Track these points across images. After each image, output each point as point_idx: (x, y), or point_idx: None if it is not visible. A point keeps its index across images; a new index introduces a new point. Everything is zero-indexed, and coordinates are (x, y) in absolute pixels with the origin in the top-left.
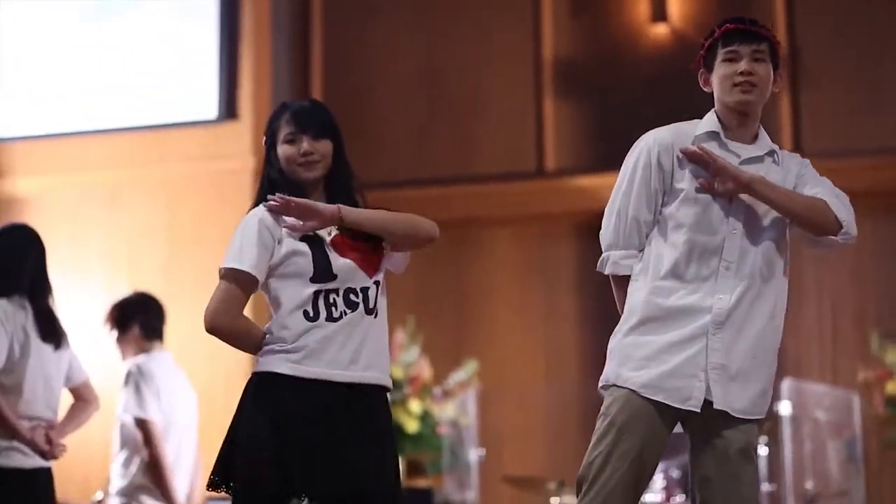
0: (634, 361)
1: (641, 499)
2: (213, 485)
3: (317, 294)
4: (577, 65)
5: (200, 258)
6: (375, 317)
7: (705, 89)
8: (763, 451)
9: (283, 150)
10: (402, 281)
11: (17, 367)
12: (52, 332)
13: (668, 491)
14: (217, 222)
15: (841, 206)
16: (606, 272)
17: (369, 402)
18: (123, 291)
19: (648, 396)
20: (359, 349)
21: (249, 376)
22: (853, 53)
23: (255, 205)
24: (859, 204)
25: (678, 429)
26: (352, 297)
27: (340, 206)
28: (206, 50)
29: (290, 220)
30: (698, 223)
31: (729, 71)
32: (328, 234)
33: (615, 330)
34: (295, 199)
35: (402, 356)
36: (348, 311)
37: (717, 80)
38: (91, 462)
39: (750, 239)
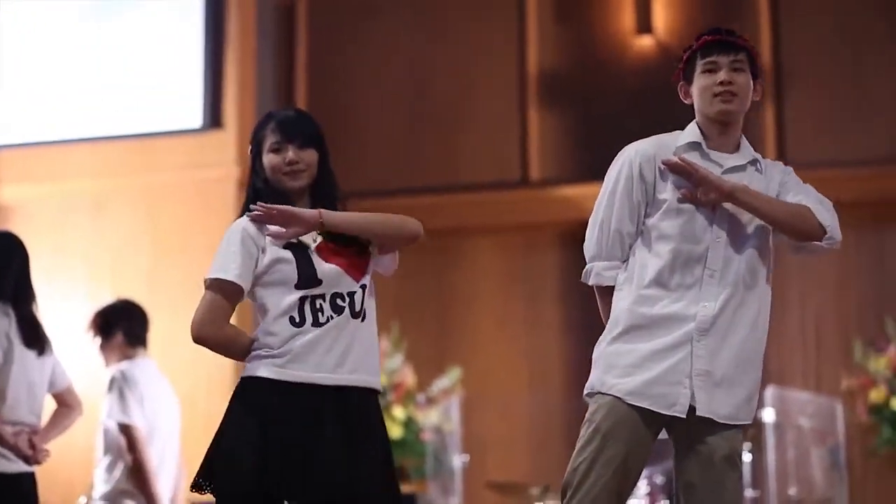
0: (619, 369)
1: None
2: (196, 486)
3: (302, 300)
4: (562, 75)
5: (184, 266)
6: (363, 320)
7: (686, 101)
8: (747, 457)
9: (268, 159)
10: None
11: (1, 372)
12: (35, 338)
13: (652, 497)
14: (201, 231)
15: (824, 212)
16: (590, 283)
17: (358, 405)
18: (107, 299)
19: (634, 403)
20: (345, 352)
21: (236, 382)
22: (837, 65)
23: (241, 214)
24: (843, 215)
25: (663, 435)
26: (338, 301)
27: (321, 210)
28: (190, 59)
29: (273, 228)
30: (682, 233)
31: (708, 82)
32: (313, 241)
33: (600, 339)
34: (276, 206)
35: (385, 363)
36: (335, 315)
37: (697, 91)
38: (74, 467)
39: (734, 247)
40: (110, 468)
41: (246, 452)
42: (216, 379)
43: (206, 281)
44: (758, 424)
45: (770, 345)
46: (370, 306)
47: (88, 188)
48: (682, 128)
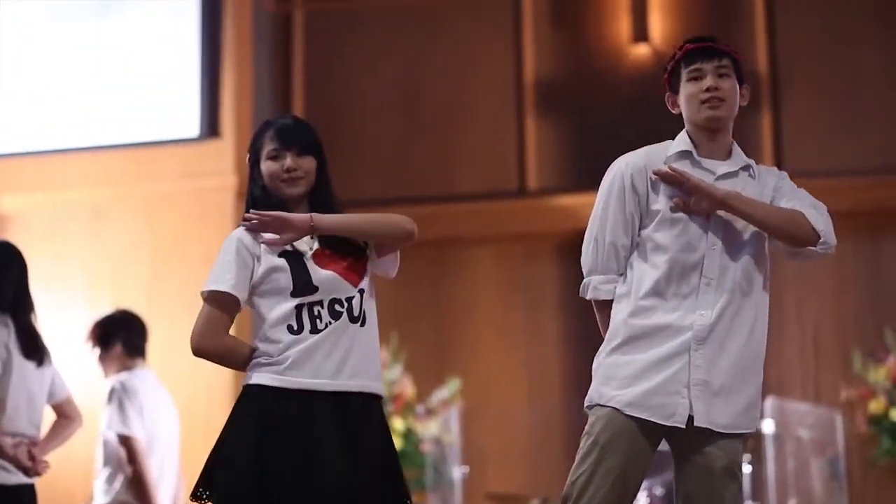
0: (618, 380)
1: None
2: (195, 496)
3: (299, 307)
4: (559, 84)
5: (183, 276)
6: (362, 325)
7: (674, 112)
8: (746, 469)
9: (266, 166)
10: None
11: (0, 383)
12: (34, 348)
13: None
14: (199, 240)
15: (818, 217)
16: (588, 297)
17: (359, 411)
18: (106, 309)
19: (632, 414)
20: (345, 358)
21: (236, 392)
22: (834, 74)
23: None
24: (840, 224)
25: (664, 446)
26: (337, 307)
27: (313, 214)
28: (187, 68)
29: (267, 235)
30: (677, 243)
31: (695, 89)
32: (310, 248)
33: (599, 351)
34: (268, 213)
35: (384, 374)
36: (333, 321)
37: (685, 100)
38: (74, 479)
39: (729, 255)
40: (110, 479)
41: (245, 459)
42: (215, 389)
43: (202, 293)
44: (757, 436)
45: (769, 355)
46: (370, 310)
47: (86, 197)
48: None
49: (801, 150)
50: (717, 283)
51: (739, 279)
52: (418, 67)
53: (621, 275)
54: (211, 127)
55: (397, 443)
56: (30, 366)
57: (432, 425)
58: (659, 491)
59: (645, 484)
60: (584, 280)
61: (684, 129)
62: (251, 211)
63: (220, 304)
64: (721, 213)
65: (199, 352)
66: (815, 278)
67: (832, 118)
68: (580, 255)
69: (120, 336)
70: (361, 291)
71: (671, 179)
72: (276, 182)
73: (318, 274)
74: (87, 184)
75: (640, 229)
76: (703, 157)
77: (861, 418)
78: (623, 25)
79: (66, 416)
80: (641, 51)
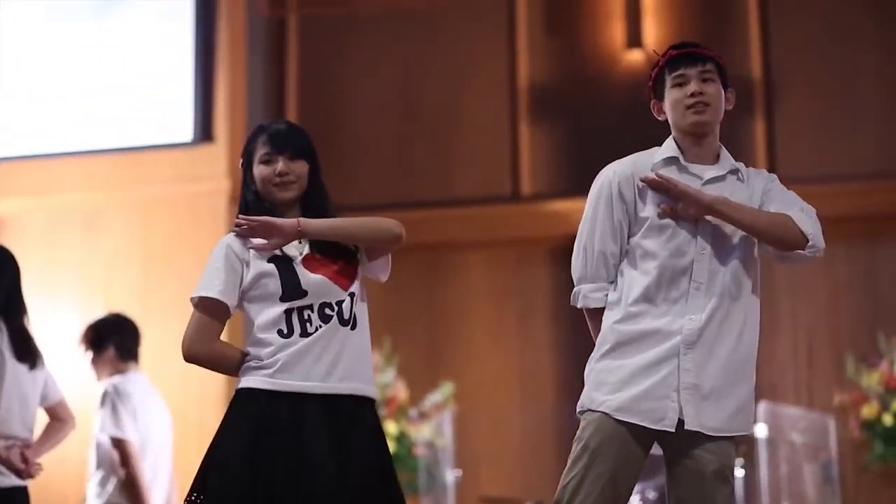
0: (608, 385)
1: None
2: (190, 501)
3: (289, 312)
4: (553, 90)
5: (176, 280)
6: (353, 328)
7: (659, 118)
8: (739, 473)
9: (259, 170)
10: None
11: None
12: (27, 351)
13: None
14: (193, 244)
15: (807, 220)
16: (579, 306)
17: (350, 414)
18: (99, 312)
19: (623, 419)
20: (335, 361)
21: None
22: (828, 79)
23: None
24: (834, 229)
25: (657, 450)
26: (327, 311)
27: (300, 219)
28: (181, 72)
29: (256, 241)
30: (666, 249)
31: (679, 95)
32: (300, 253)
33: (590, 357)
34: (256, 218)
35: (377, 378)
36: (323, 324)
37: (670, 105)
38: (67, 481)
39: (718, 259)
40: (103, 482)
41: (238, 462)
42: (208, 392)
43: (192, 299)
44: (750, 440)
45: (762, 360)
46: (361, 314)
47: (80, 202)
48: None
49: (794, 155)
50: (707, 287)
51: (728, 283)
52: (412, 72)
53: (612, 282)
54: (204, 131)
55: (390, 446)
56: (22, 368)
57: (425, 429)
58: (652, 494)
59: (638, 487)
60: (575, 289)
61: (671, 136)
62: (239, 217)
63: (210, 311)
64: (709, 218)
65: (189, 357)
66: (808, 283)
67: (826, 123)
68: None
69: (113, 339)
70: (352, 295)
71: (658, 186)
72: (268, 186)
73: (308, 278)
74: (80, 187)
75: (629, 237)
76: (690, 162)
77: (854, 423)
78: (617, 31)
79: (59, 418)
80: (635, 56)
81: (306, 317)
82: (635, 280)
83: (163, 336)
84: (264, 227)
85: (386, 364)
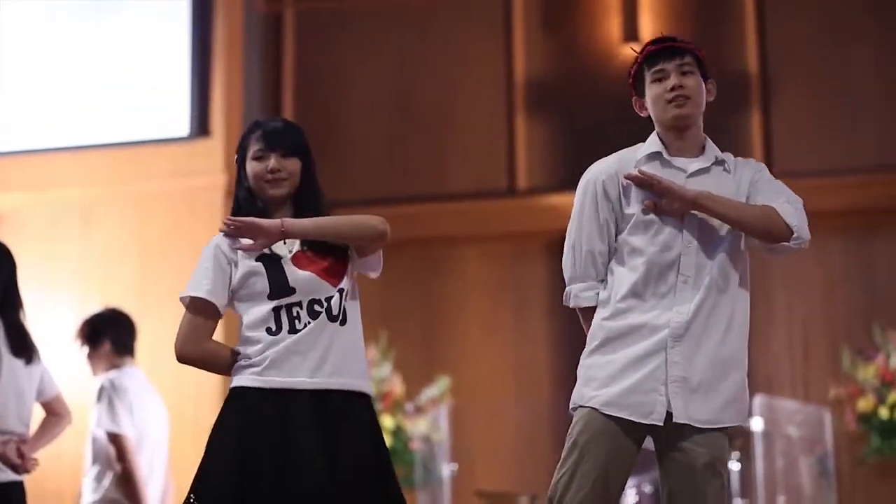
0: (597, 381)
1: None
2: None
3: (277, 309)
4: (549, 84)
5: (172, 274)
6: (342, 324)
7: (642, 115)
8: (735, 466)
9: (251, 166)
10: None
11: None
12: (23, 346)
13: None
14: (189, 239)
15: (791, 211)
16: (570, 305)
17: (339, 409)
18: (95, 307)
19: (612, 414)
20: (324, 357)
21: (224, 390)
22: (824, 73)
23: None
24: (831, 223)
25: (651, 444)
26: (316, 307)
27: (284, 219)
28: (178, 67)
29: (244, 241)
30: (653, 244)
31: (660, 90)
32: (289, 251)
33: (582, 354)
34: (241, 219)
35: (373, 372)
36: (311, 321)
37: (651, 101)
38: (63, 476)
39: (705, 252)
40: (99, 477)
41: (226, 463)
42: (204, 387)
43: (182, 300)
44: (746, 433)
45: (758, 353)
46: (352, 310)
47: (76, 196)
48: None
49: (791, 149)
50: (694, 280)
51: (716, 276)
52: (408, 67)
53: (602, 281)
54: (201, 126)
55: (386, 441)
56: (19, 363)
57: (421, 423)
58: (648, 488)
59: (633, 481)
60: (566, 289)
61: (654, 131)
62: (226, 218)
63: (199, 311)
64: (695, 211)
65: (182, 358)
66: (805, 276)
67: (822, 117)
68: None
69: (109, 334)
70: (341, 291)
71: (641, 183)
72: (259, 182)
73: (296, 276)
74: (77, 182)
75: (616, 234)
76: (674, 156)
77: (850, 416)
78: (613, 26)
79: (55, 413)
80: (631, 52)
81: (295, 314)
82: (623, 277)
83: (159, 331)
84: (249, 228)
85: (382, 359)
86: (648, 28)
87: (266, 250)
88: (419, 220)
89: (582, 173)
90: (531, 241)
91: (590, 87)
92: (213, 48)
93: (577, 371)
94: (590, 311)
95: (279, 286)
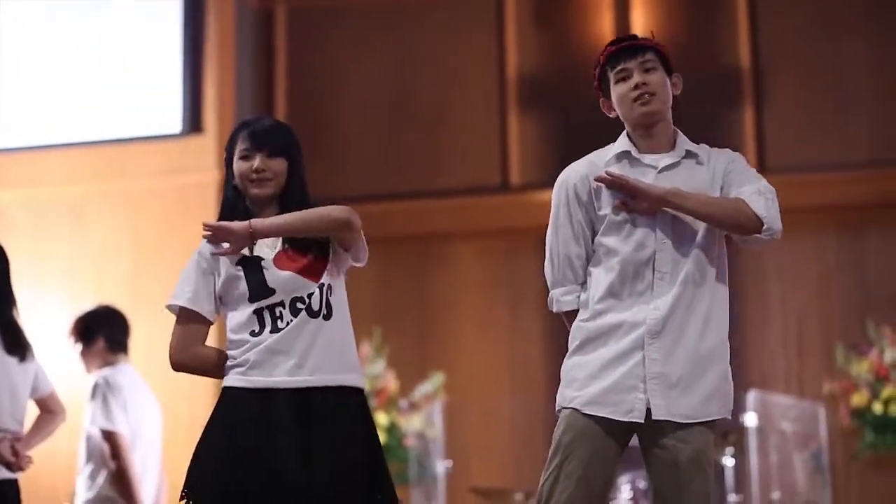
0: (578, 381)
1: None
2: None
3: (259, 311)
4: (542, 80)
5: (165, 272)
6: (326, 319)
7: (610, 116)
8: (729, 462)
9: (237, 166)
10: (369, 293)
11: None
12: (16, 343)
13: (635, 502)
14: (181, 236)
15: (761, 202)
16: (553, 311)
17: (321, 406)
18: (88, 305)
19: (592, 413)
20: (305, 354)
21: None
22: (817, 68)
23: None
24: (824, 218)
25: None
26: (298, 305)
27: (252, 220)
28: (170, 64)
29: (224, 245)
30: (627, 244)
31: (624, 89)
32: (272, 250)
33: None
34: (213, 223)
35: (368, 369)
36: (293, 319)
37: (617, 101)
38: (58, 474)
39: (680, 247)
40: (93, 475)
41: (215, 461)
42: (198, 385)
43: (171, 309)
44: (740, 429)
45: (752, 349)
46: (338, 304)
47: (68, 194)
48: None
49: (784, 144)
50: (671, 276)
51: (692, 271)
52: (402, 64)
53: (582, 284)
54: (193, 123)
55: (381, 437)
56: (12, 361)
57: (416, 420)
58: (642, 484)
59: (628, 477)
60: (549, 294)
61: (624, 131)
62: (203, 223)
63: (184, 318)
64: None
65: (175, 366)
66: (798, 272)
67: (815, 112)
68: None
69: (102, 331)
70: (322, 286)
71: (610, 185)
72: (244, 182)
73: (275, 276)
74: (70, 180)
75: (592, 236)
76: (644, 153)
77: (844, 411)
78: (606, 21)
79: (49, 410)
80: None
81: (278, 313)
82: (600, 278)
83: (152, 329)
84: (220, 232)
85: (376, 355)
86: (641, 23)
87: (247, 253)
88: (413, 217)
89: None
90: (525, 237)
91: (582, 83)
92: (205, 45)
93: (560, 373)
94: (573, 315)
95: (258, 288)
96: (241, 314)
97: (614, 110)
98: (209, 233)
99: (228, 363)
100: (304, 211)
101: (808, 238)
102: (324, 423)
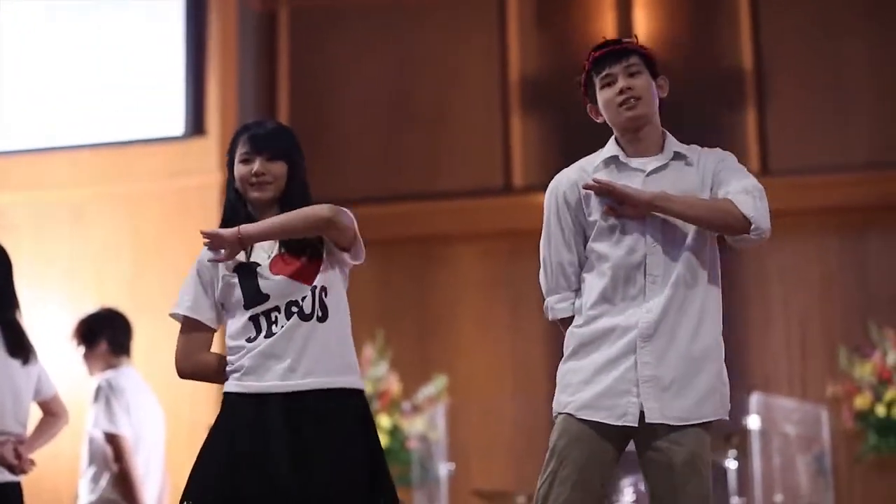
0: (572, 386)
1: None
2: None
3: (255, 317)
4: (544, 82)
5: (167, 274)
6: (320, 320)
7: (598, 121)
8: (732, 464)
9: (237, 169)
10: (371, 296)
11: None
12: (19, 346)
13: None
14: (183, 238)
15: (748, 202)
16: (549, 318)
17: (314, 410)
18: (90, 307)
19: (587, 418)
20: (298, 357)
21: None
22: (819, 70)
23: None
24: (827, 220)
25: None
26: (293, 309)
27: (241, 226)
28: (172, 66)
29: (221, 252)
30: (618, 248)
31: (610, 94)
32: (269, 255)
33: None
34: (209, 231)
35: (370, 371)
36: (287, 322)
37: (603, 106)
38: (60, 477)
39: (671, 250)
40: (96, 478)
41: (217, 465)
42: (200, 387)
43: (174, 317)
44: (743, 431)
45: (755, 352)
46: (334, 305)
47: (70, 196)
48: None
49: (786, 147)
50: (663, 279)
51: (683, 273)
52: (404, 65)
53: (576, 290)
54: (196, 125)
55: (384, 440)
56: (15, 363)
57: (418, 422)
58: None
59: (631, 480)
60: (545, 302)
61: (613, 136)
62: (200, 230)
63: (186, 327)
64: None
65: (182, 374)
66: (801, 274)
67: (817, 114)
68: None
69: (105, 334)
70: (315, 289)
71: (599, 191)
72: (244, 185)
73: (269, 281)
74: (71, 182)
75: (586, 242)
76: (632, 156)
77: (847, 414)
78: (608, 23)
79: (52, 413)
80: None
81: (274, 318)
82: (593, 283)
83: (153, 331)
84: (215, 239)
85: (378, 357)
86: (643, 24)
87: (243, 259)
88: (415, 219)
89: None
90: (527, 238)
91: None
92: (207, 47)
93: (556, 379)
94: (569, 322)
95: (252, 295)
96: (238, 321)
97: (601, 116)
98: (207, 240)
99: (227, 369)
100: (288, 213)
101: (810, 240)
102: (319, 425)
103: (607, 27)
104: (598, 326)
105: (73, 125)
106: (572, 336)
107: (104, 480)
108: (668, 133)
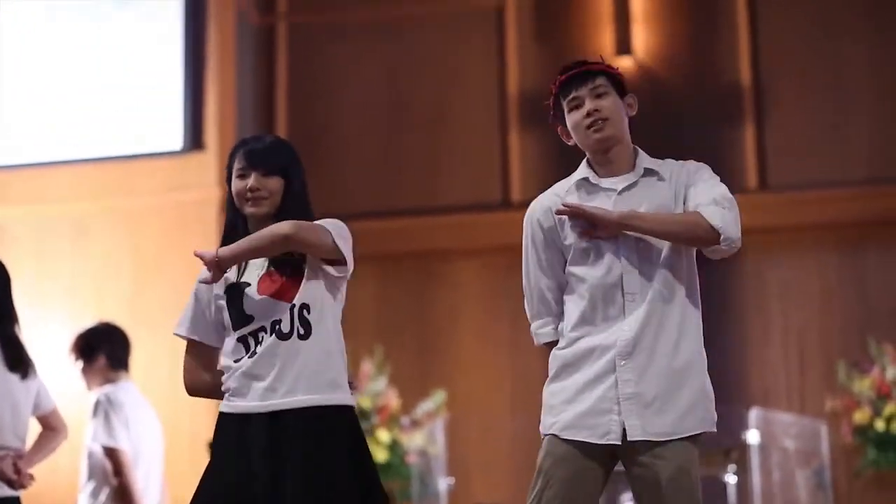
0: (555, 408)
1: None
2: None
3: (243, 338)
4: (542, 96)
5: (166, 289)
6: (302, 338)
7: (569, 143)
8: (732, 479)
9: (234, 184)
10: (370, 311)
11: None
12: (18, 360)
13: None
14: (182, 253)
15: (716, 213)
16: (535, 344)
17: (294, 428)
18: (89, 322)
19: (570, 438)
20: (279, 376)
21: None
22: (817, 86)
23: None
24: (826, 235)
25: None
26: (278, 327)
27: (219, 248)
28: (171, 81)
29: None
30: (595, 270)
31: (577, 117)
32: (258, 275)
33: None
34: (196, 252)
35: (369, 386)
36: (268, 342)
37: (572, 129)
38: (59, 491)
39: (647, 268)
40: (95, 493)
41: (215, 484)
42: (200, 401)
43: (177, 335)
44: (742, 446)
45: (754, 366)
46: (319, 321)
47: (69, 211)
48: (659, 148)
49: (785, 162)
50: (640, 297)
51: (660, 289)
52: (402, 80)
53: (558, 315)
54: (194, 140)
55: (383, 455)
56: (14, 378)
57: (418, 437)
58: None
59: (629, 496)
60: (531, 328)
61: (585, 158)
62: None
63: (188, 346)
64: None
65: (190, 393)
66: (799, 289)
67: (816, 130)
68: None
69: (103, 348)
70: (293, 307)
71: (571, 215)
72: (240, 200)
73: (251, 302)
74: (70, 197)
75: (565, 265)
76: (604, 176)
77: (846, 429)
78: (606, 38)
79: (51, 428)
80: (625, 63)
81: (260, 339)
82: (573, 306)
83: (153, 346)
84: (203, 261)
85: (378, 372)
86: (641, 39)
87: (232, 279)
88: (413, 234)
89: None
90: None
91: None
92: (206, 61)
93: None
94: (553, 346)
95: (237, 316)
96: (230, 341)
97: (571, 138)
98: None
99: (222, 388)
100: (256, 233)
101: (808, 255)
102: (300, 444)
103: (606, 43)
104: (579, 347)
105: (73, 140)
106: (555, 358)
107: (103, 495)
108: (640, 150)
